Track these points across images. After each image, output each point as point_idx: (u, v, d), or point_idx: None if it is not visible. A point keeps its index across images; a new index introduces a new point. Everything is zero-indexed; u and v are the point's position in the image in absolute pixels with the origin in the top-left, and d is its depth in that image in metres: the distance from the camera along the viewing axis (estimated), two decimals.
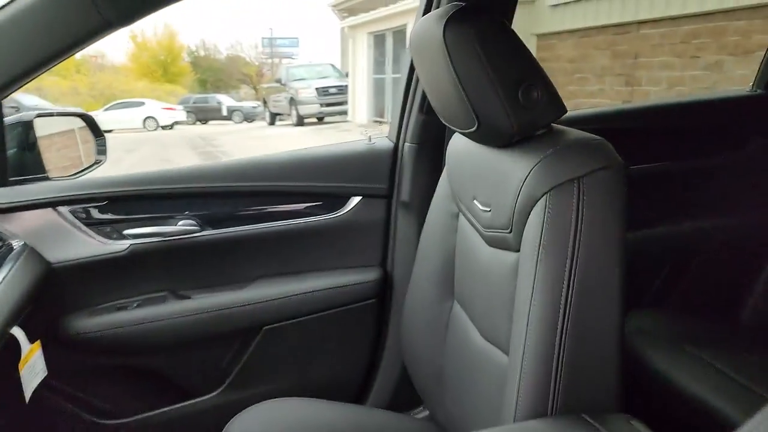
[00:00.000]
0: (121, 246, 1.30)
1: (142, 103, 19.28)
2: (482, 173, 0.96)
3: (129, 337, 1.30)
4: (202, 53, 36.04)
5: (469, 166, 1.02)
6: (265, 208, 1.42)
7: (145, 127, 18.15)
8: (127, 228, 1.31)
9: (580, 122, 1.50)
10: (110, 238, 1.31)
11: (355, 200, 1.43)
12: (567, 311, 0.77)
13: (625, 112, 1.67)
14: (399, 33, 12.59)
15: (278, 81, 16.60)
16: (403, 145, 1.42)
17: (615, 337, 0.79)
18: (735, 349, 1.33)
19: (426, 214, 1.20)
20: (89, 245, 1.29)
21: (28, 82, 0.89)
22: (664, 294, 1.61)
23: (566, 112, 0.86)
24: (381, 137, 1.48)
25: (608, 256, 0.78)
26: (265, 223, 1.39)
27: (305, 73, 16.02)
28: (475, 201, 0.98)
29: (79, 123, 1.57)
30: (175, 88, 30.83)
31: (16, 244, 1.17)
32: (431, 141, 1.38)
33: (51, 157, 1.51)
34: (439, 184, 1.16)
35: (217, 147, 12.20)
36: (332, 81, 15.32)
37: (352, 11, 15.66)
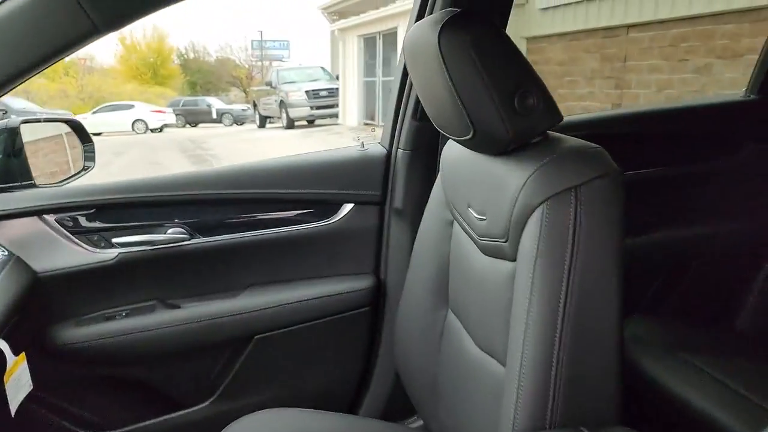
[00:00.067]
0: (109, 255, 1.28)
1: (131, 106, 19.20)
2: (477, 181, 0.95)
3: (117, 347, 1.27)
4: (191, 55, 35.95)
5: (464, 173, 1.01)
6: (256, 216, 1.41)
7: (134, 130, 18.07)
8: (116, 236, 1.29)
9: (573, 128, 1.50)
10: (98, 246, 1.29)
11: (348, 207, 1.41)
12: (565, 321, 0.76)
13: (618, 117, 1.67)
14: (389, 36, 12.61)
15: (268, 84, 16.56)
16: (397, 151, 1.41)
17: (614, 346, 0.78)
18: (730, 356, 1.32)
19: (420, 221, 1.19)
20: (76, 254, 1.26)
21: (15, 87, 0.88)
22: (658, 300, 1.61)
23: (562, 119, 0.85)
24: (374, 143, 1.46)
25: (606, 266, 0.77)
26: (256, 231, 1.37)
27: (295, 76, 15.99)
28: (469, 209, 0.96)
29: (67, 128, 1.54)
30: (164, 91, 30.72)
31: (1, 253, 1.15)
32: (425, 147, 1.37)
33: (38, 163, 1.48)
34: (433, 191, 1.15)
35: (207, 150, 12.14)
36: (323, 84, 15.30)
37: (342, 14, 15.66)
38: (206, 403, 1.37)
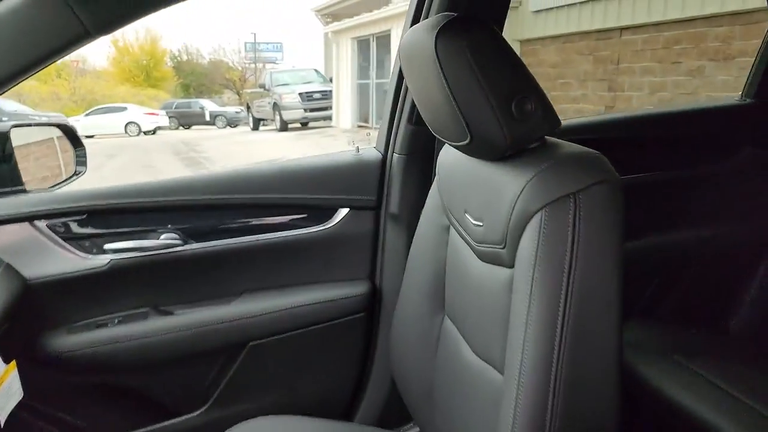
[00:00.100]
0: (101, 261, 1.26)
1: (124, 108, 19.14)
2: (474, 186, 0.94)
3: (109, 355, 1.26)
4: (184, 58, 35.85)
5: (461, 178, 1.00)
6: (250, 221, 1.40)
7: (127, 132, 18.01)
8: (108, 242, 1.28)
9: (569, 132, 1.49)
10: (90, 252, 1.28)
11: (343, 212, 1.40)
12: (564, 329, 0.75)
13: (615, 121, 1.67)
14: (383, 38, 12.62)
15: (262, 86, 16.53)
16: (392, 155, 1.40)
17: (614, 352, 0.78)
18: (726, 359, 1.32)
19: (415, 226, 1.18)
20: (68, 260, 1.25)
21: (7, 90, 0.86)
22: (655, 303, 1.61)
23: (560, 125, 0.84)
24: (369, 148, 1.46)
25: (606, 272, 0.77)
26: (250, 237, 1.36)
27: (289, 78, 15.97)
28: (466, 214, 0.96)
29: (59, 132, 1.53)
30: (157, 93, 30.63)
31: None
32: (420, 152, 1.36)
33: (29, 168, 1.47)
34: (429, 195, 1.14)
35: (200, 152, 12.10)
36: (316, 86, 15.28)
37: (335, 16, 15.67)
38: (200, 411, 1.35)
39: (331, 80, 15.57)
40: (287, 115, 14.70)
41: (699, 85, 5.13)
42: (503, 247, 0.83)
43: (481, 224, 0.90)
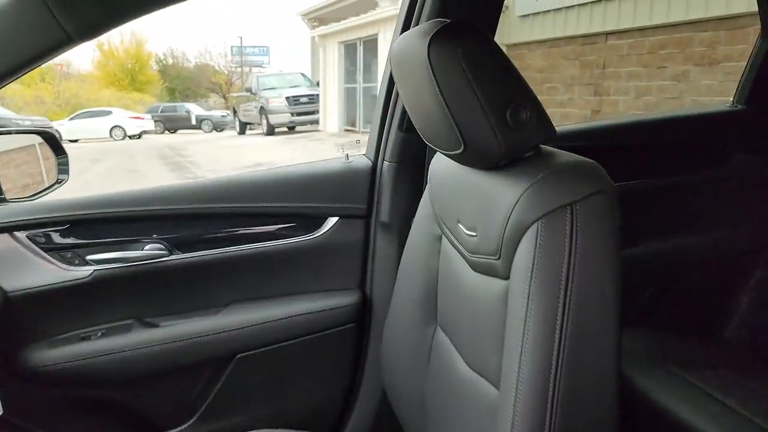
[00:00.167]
0: (83, 272, 1.23)
1: (109, 112, 18.99)
2: (467, 195, 0.93)
3: (92, 368, 1.23)
4: (170, 61, 35.63)
5: (453, 187, 0.98)
6: (238, 230, 1.37)
7: (112, 136, 17.85)
8: (90, 253, 1.25)
9: (561, 138, 1.48)
10: (72, 264, 1.25)
11: (332, 221, 1.38)
12: (562, 342, 0.74)
13: (607, 128, 1.66)
14: (370, 42, 12.64)
15: (248, 90, 16.49)
16: (382, 163, 1.38)
17: (612, 365, 0.77)
18: (721, 369, 1.32)
19: (406, 235, 1.16)
20: (49, 272, 1.22)
21: None
22: (648, 311, 1.60)
23: (556, 133, 0.83)
24: (359, 155, 1.44)
25: (604, 283, 0.76)
26: (237, 246, 1.34)
27: (276, 82, 15.95)
28: (459, 224, 0.94)
29: (40, 139, 1.49)
30: (142, 97, 30.42)
31: None
32: (411, 159, 1.34)
33: (10, 175, 1.43)
34: (420, 204, 1.13)
35: (186, 157, 12.02)
36: (303, 90, 15.27)
37: (322, 20, 15.67)
38: (186, 425, 1.32)
39: (318, 84, 15.56)
40: (274, 119, 14.67)
41: (684, 89, 5.17)
42: (498, 258, 0.82)
43: (474, 234, 0.88)
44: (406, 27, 1.29)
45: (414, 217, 1.14)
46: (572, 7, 6.28)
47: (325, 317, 1.36)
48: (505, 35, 7.09)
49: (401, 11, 1.31)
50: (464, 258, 0.93)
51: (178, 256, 1.30)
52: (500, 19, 1.29)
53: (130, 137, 18.05)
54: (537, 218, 0.75)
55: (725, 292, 1.61)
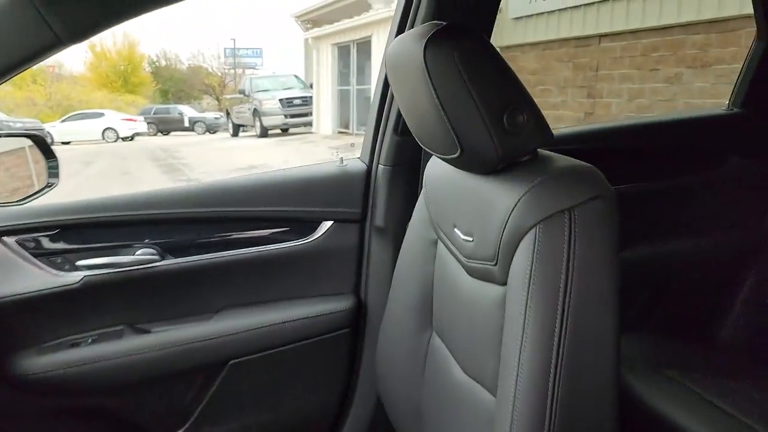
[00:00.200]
0: (73, 278, 1.21)
1: (102, 114, 18.90)
2: (463, 200, 0.92)
3: (83, 375, 1.21)
4: (163, 63, 35.53)
5: (449, 191, 0.97)
6: (231, 235, 1.35)
7: (104, 138, 17.77)
8: (81, 258, 1.23)
9: (557, 142, 1.47)
10: (61, 269, 1.23)
11: (327, 225, 1.37)
12: (560, 348, 0.73)
13: (603, 131, 1.66)
14: (363, 44, 12.64)
15: (241, 92, 16.45)
16: (377, 167, 1.37)
17: (611, 371, 0.76)
18: (718, 374, 1.31)
19: (401, 239, 1.15)
20: (38, 277, 1.20)
21: None
22: (644, 315, 1.60)
23: (553, 137, 0.82)
24: (353, 159, 1.42)
25: (602, 288, 0.75)
26: (230, 251, 1.32)
27: (269, 84, 15.91)
28: (455, 229, 0.93)
29: (30, 142, 1.47)
30: (135, 99, 30.31)
31: None
32: (407, 163, 1.33)
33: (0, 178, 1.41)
34: (416, 208, 1.12)
35: (179, 159, 11.97)
36: (296, 92, 15.24)
37: (316, 22, 15.66)
38: None
39: (311, 86, 15.55)
40: (267, 121, 14.64)
41: (677, 92, 5.18)
42: (495, 264, 0.81)
43: (471, 239, 0.87)
44: (401, 29, 1.28)
45: (409, 221, 1.13)
46: (565, 9, 6.30)
47: (319, 322, 1.34)
48: (499, 37, 7.09)
49: (396, 14, 1.30)
50: (460, 263, 0.92)
51: (170, 261, 1.28)
52: None
53: (123, 139, 17.97)
54: (535, 223, 0.75)
55: (721, 295, 1.61)
